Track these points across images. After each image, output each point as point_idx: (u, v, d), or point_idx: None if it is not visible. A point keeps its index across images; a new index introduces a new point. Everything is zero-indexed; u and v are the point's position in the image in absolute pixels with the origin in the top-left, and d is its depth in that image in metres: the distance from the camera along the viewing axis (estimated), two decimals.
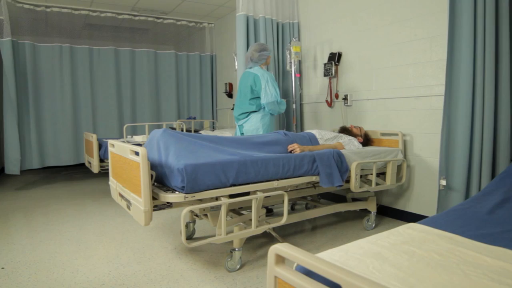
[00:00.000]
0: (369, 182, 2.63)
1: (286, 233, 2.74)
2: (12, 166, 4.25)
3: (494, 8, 2.05)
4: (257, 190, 2.09)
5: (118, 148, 2.15)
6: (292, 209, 3.37)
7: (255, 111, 3.01)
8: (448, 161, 2.12)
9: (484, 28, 2.05)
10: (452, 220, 1.30)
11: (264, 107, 2.98)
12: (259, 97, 2.96)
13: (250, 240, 2.55)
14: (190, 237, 2.64)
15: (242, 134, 3.08)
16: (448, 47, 2.04)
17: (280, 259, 0.83)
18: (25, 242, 2.58)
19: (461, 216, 1.34)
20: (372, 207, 2.76)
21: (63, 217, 3.22)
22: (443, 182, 2.06)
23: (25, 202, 3.78)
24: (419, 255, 0.96)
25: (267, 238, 2.60)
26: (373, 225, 2.79)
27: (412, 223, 1.25)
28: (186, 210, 1.83)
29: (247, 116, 3.05)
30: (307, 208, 3.29)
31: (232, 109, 4.27)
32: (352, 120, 3.35)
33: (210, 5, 4.96)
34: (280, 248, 0.81)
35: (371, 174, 2.55)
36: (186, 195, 1.85)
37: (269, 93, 2.89)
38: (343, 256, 0.93)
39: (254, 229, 2.05)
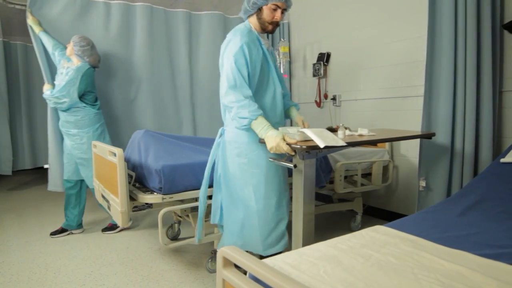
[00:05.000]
0: (355, 182, 2.63)
1: None
2: (4, 167, 4.26)
3: (476, 7, 2.04)
4: None
5: (99, 148, 2.16)
6: None
7: None
8: (428, 162, 2.10)
9: (465, 28, 2.04)
10: (420, 222, 1.29)
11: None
12: None
13: None
14: (175, 238, 2.64)
15: None
16: (428, 47, 2.04)
17: (229, 262, 0.82)
18: (11, 243, 2.58)
19: (431, 218, 1.33)
20: (358, 208, 2.75)
21: (54, 217, 3.22)
22: (423, 183, 2.05)
23: (18, 203, 3.79)
24: (375, 259, 0.95)
25: None
26: (359, 226, 2.78)
27: (378, 226, 1.24)
28: (163, 211, 1.83)
29: None
30: None
31: None
32: (341, 121, 3.34)
33: None
34: (226, 251, 0.80)
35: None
36: (164, 196, 1.86)
37: None
38: (297, 259, 0.93)
39: None
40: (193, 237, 2.00)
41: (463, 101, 2.06)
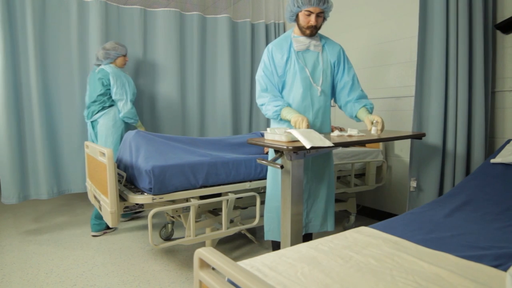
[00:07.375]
0: (348, 183, 2.62)
1: None
2: None
3: (467, 6, 2.03)
4: (228, 192, 2.09)
5: (90, 149, 2.16)
6: None
7: None
8: (419, 162, 2.10)
9: (457, 28, 2.03)
10: (406, 223, 1.29)
11: None
12: None
13: (227, 241, 2.55)
14: (168, 238, 2.64)
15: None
16: (419, 46, 2.03)
17: (205, 264, 0.82)
18: (4, 243, 2.59)
19: (416, 220, 1.33)
20: (352, 208, 2.75)
21: (49, 217, 3.23)
22: (414, 184, 2.04)
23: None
24: (355, 260, 0.95)
25: (244, 240, 2.59)
26: (353, 226, 2.78)
27: (362, 227, 1.24)
28: (153, 211, 1.83)
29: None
30: None
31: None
32: (336, 121, 3.33)
33: None
34: (202, 252, 0.80)
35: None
36: (154, 197, 1.86)
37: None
38: (276, 260, 0.92)
39: (225, 231, 2.05)
40: (184, 237, 2.00)
41: (455, 101, 2.05)
